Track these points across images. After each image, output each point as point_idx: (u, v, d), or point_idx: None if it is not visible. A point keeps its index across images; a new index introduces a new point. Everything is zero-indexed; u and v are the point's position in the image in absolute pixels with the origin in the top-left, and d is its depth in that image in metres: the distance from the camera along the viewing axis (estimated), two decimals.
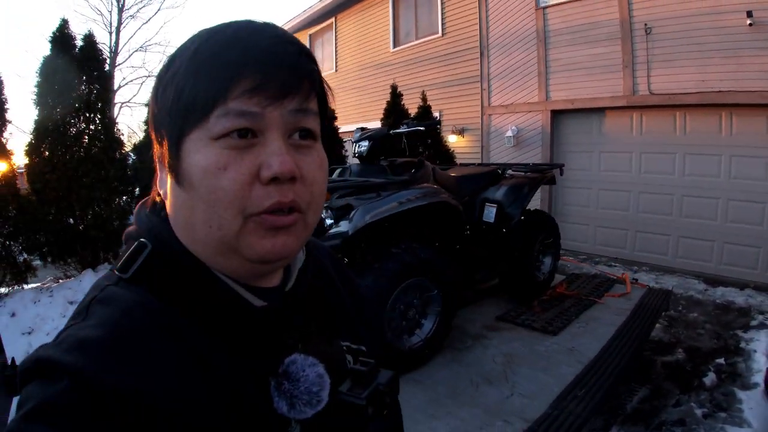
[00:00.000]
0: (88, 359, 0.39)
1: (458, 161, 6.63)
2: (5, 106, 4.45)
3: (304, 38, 11.28)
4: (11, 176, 4.41)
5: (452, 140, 7.89)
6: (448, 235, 3.25)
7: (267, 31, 0.45)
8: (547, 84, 6.46)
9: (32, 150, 4.43)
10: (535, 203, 6.77)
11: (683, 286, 4.91)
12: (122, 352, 0.40)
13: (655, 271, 5.52)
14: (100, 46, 4.84)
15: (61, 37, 4.58)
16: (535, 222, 3.85)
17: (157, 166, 0.48)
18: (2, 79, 4.44)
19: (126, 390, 0.38)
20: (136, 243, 0.46)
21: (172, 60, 0.45)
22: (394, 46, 8.84)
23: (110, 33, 10.91)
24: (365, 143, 3.33)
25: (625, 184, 5.93)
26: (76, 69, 4.52)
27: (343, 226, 2.65)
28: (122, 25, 10.90)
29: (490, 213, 3.74)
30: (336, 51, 10.27)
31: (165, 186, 0.48)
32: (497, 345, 3.12)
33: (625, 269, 5.39)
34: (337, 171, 3.41)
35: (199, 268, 0.46)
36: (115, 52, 10.61)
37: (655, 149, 5.64)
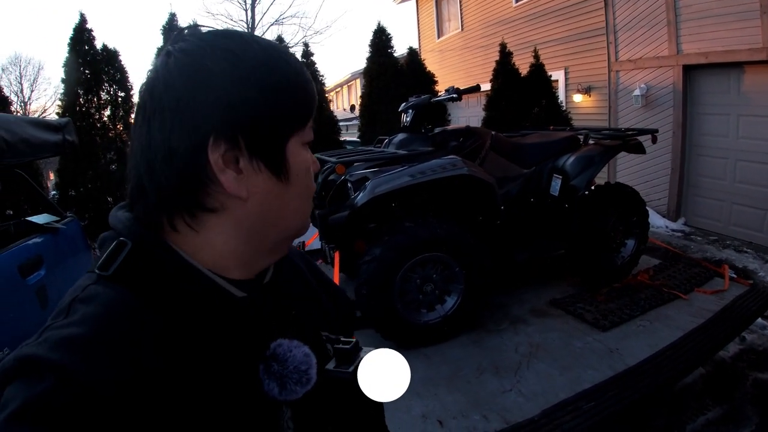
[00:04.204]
0: (73, 356, 0.38)
1: (580, 123, 5.97)
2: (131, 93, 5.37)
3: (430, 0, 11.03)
4: None
5: (577, 100, 7.08)
6: (485, 210, 3.02)
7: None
8: (677, 35, 5.36)
9: None
10: (664, 172, 5.75)
11: None
12: (107, 349, 0.40)
13: None
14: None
15: (170, 29, 5.34)
16: (611, 198, 3.30)
17: (215, 169, 0.45)
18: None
19: (113, 386, 0.38)
20: (115, 242, 0.47)
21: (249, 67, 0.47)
22: (517, 1, 8.09)
23: (245, 10, 11.50)
24: (411, 112, 3.26)
25: (766, 154, 4.69)
26: None
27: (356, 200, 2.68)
28: (257, 2, 11.43)
29: (555, 185, 3.35)
30: (461, 9, 9.79)
31: (243, 185, 0.47)
32: (531, 333, 2.83)
33: (757, 257, 4.27)
34: (385, 142, 3.41)
35: (181, 261, 0.47)
36: (252, 28, 11.28)
37: None
